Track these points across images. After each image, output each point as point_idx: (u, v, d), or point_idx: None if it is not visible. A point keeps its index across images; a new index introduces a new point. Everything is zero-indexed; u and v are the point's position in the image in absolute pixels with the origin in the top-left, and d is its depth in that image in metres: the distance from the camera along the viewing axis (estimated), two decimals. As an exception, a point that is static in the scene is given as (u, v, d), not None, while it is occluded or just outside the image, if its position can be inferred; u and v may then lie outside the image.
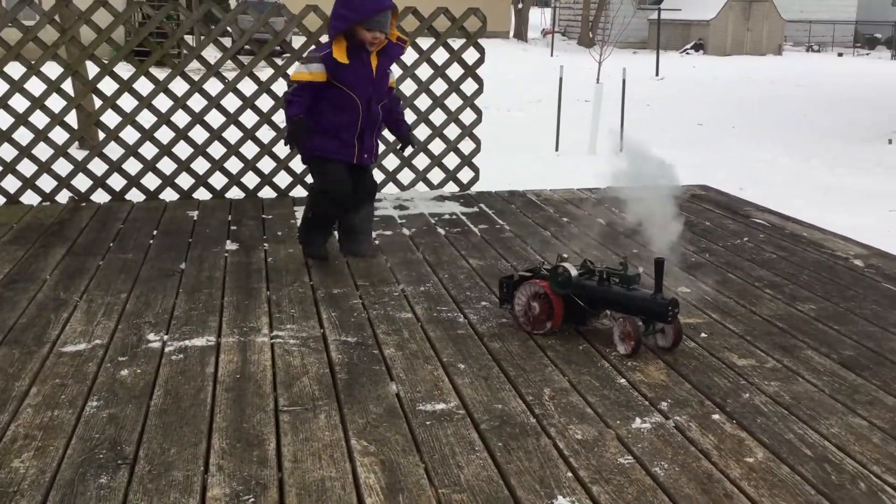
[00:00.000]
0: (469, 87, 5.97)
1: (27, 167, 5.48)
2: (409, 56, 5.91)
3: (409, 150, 5.57)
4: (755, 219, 5.30)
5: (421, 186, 6.17)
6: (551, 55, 27.66)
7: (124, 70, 5.63)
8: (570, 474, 2.34)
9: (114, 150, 5.66)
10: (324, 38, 5.93)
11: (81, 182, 5.64)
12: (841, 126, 14.13)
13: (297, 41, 17.33)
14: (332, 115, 4.09)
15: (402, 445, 2.49)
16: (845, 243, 4.77)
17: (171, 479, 2.30)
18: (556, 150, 10.86)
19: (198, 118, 5.62)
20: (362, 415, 2.67)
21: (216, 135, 5.67)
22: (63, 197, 5.63)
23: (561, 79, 11.63)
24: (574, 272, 3.29)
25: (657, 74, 22.53)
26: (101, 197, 5.68)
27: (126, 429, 2.57)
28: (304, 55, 4.35)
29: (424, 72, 5.92)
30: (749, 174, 9.17)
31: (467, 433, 2.57)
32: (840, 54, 34.44)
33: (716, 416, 2.68)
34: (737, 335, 3.37)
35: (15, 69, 5.33)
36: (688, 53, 31.94)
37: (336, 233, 4.44)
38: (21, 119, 5.42)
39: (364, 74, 4.07)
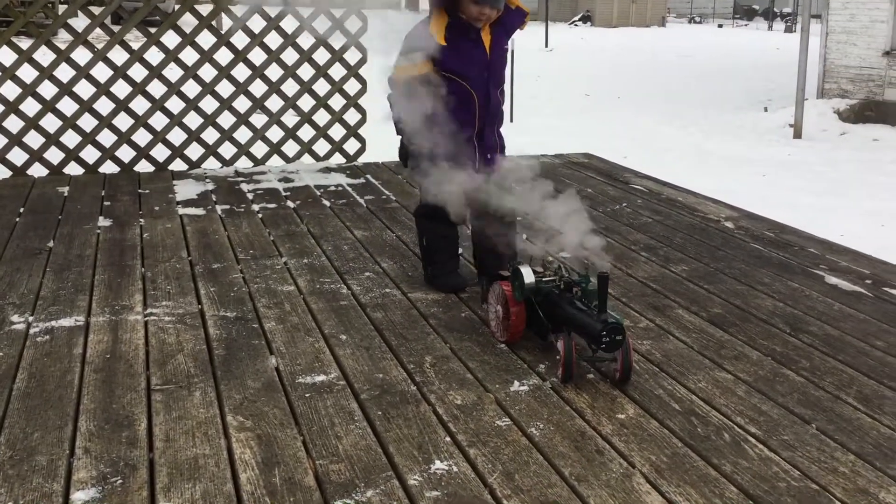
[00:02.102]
0: (353, 56, 5.90)
1: None
2: (290, 23, 5.79)
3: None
4: (634, 185, 5.45)
5: (307, 158, 6.08)
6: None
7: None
8: (448, 439, 2.36)
9: (-25, 124, 5.34)
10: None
11: (-60, 158, 5.31)
12: (719, 95, 14.69)
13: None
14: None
15: (280, 419, 2.45)
16: (717, 206, 4.96)
17: (35, 464, 2.20)
18: (446, 120, 10.88)
19: (66, 89, 5.35)
20: (239, 390, 2.62)
21: (86, 106, 5.42)
22: (-80, 175, 5.29)
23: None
24: (530, 278, 2.92)
25: (546, 46, 22.82)
26: (-38, 174, 5.36)
27: (-15, 415, 2.45)
28: (404, 42, 3.31)
29: (306, 41, 5.81)
30: (632, 142, 9.43)
31: (347, 404, 2.55)
32: (720, 25, 35.72)
33: (590, 376, 2.76)
34: (613, 297, 3.46)
35: None
36: (576, 25, 32.45)
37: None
38: None
39: (475, 56, 3.24)
